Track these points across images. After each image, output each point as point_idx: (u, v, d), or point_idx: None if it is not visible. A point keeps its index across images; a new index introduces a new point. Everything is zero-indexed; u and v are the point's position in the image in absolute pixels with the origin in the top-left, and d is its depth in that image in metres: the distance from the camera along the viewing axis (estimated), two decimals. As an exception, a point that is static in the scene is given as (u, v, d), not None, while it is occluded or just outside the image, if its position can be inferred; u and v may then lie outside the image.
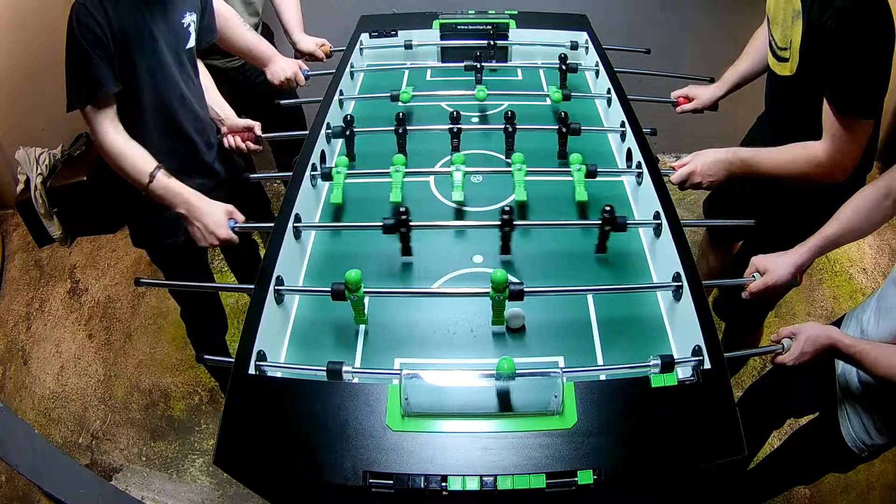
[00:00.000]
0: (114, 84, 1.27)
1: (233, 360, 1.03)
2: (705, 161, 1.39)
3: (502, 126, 1.56)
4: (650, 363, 1.01)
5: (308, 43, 1.99)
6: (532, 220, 1.40)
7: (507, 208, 1.25)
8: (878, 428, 1.25)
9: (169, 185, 1.34)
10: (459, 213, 1.43)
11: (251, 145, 1.68)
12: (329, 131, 1.58)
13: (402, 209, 1.24)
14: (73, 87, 1.27)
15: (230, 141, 1.66)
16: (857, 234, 1.26)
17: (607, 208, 1.24)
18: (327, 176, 1.44)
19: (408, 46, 2.01)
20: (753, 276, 1.29)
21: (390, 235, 1.34)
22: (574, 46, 1.99)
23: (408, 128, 1.57)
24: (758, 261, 1.29)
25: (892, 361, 1.06)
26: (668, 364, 1.00)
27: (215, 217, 1.35)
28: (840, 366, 1.32)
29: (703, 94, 1.75)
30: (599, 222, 1.26)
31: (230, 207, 1.38)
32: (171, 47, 1.38)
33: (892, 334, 1.17)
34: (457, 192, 1.40)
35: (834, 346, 1.11)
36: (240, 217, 1.38)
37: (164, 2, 1.35)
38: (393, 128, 1.56)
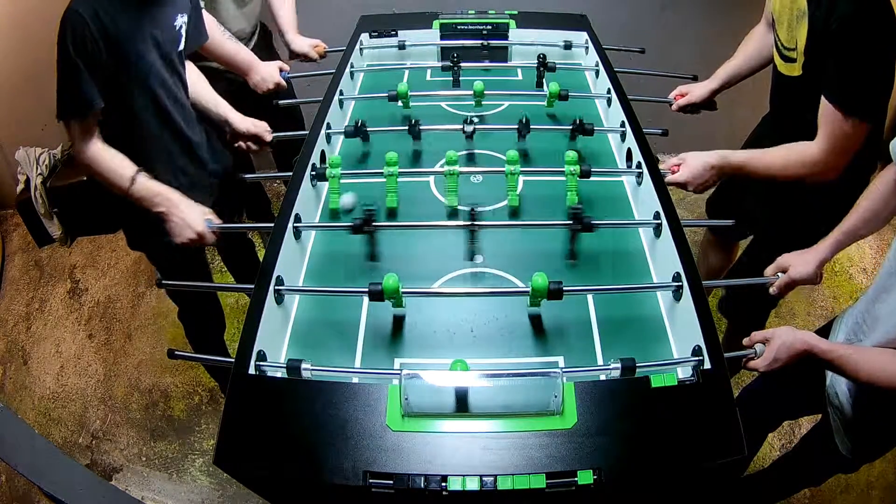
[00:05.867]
0: (100, 100, 1.28)
1: (203, 357, 1.03)
2: (693, 171, 1.38)
3: (512, 127, 1.57)
4: (610, 366, 1.01)
5: (302, 44, 1.98)
6: (522, 220, 1.41)
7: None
8: (861, 434, 1.24)
9: (150, 186, 1.37)
10: (459, 214, 1.43)
11: (261, 146, 1.70)
12: (330, 131, 1.58)
13: (371, 209, 1.25)
14: (63, 97, 1.27)
15: (241, 146, 1.68)
16: (876, 222, 1.25)
17: (577, 207, 1.24)
18: (321, 177, 1.44)
19: (401, 47, 2.01)
20: (777, 275, 1.30)
21: (392, 236, 1.35)
22: (568, 46, 1.99)
23: (421, 128, 1.57)
24: (782, 259, 1.30)
25: (873, 366, 1.03)
26: (629, 368, 1.00)
27: (192, 213, 1.39)
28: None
29: (696, 89, 1.77)
30: (569, 222, 1.25)
31: (206, 209, 1.42)
32: (164, 50, 1.39)
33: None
34: (450, 197, 1.40)
35: (810, 352, 1.08)
36: (216, 219, 1.42)
37: (157, 4, 1.36)
38: (406, 128, 1.57)
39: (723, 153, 1.39)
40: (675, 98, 1.81)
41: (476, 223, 1.28)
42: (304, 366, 1.02)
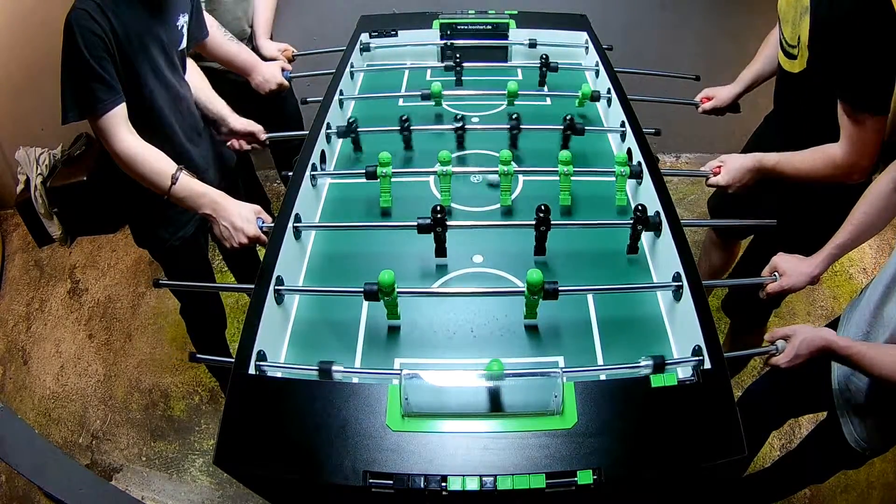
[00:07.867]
0: (121, 91, 1.25)
1: (228, 359, 1.03)
2: (734, 174, 1.44)
3: (506, 126, 1.56)
4: (641, 364, 1.01)
5: (270, 48, 1.99)
6: (518, 220, 1.40)
7: (543, 206, 1.23)
8: (877, 427, 1.24)
9: (192, 185, 1.32)
10: (460, 214, 1.43)
11: (256, 146, 1.71)
12: (330, 131, 1.58)
13: (439, 207, 1.22)
14: (71, 97, 1.24)
15: (234, 144, 1.68)
16: (871, 232, 1.26)
17: (640, 207, 1.25)
18: (372, 175, 1.40)
19: (397, 46, 2.01)
20: (774, 276, 1.30)
21: (390, 236, 1.35)
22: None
23: (413, 128, 1.57)
24: (778, 262, 1.30)
25: (886, 361, 1.05)
26: (660, 365, 1.00)
27: (244, 215, 1.32)
28: (836, 366, 1.32)
29: (722, 92, 1.79)
30: (631, 222, 1.26)
31: (257, 207, 1.36)
32: (166, 50, 1.39)
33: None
34: (444, 196, 1.40)
35: (829, 348, 1.09)
36: (267, 217, 1.36)
37: (160, 5, 1.35)
38: (398, 128, 1.57)
39: (758, 156, 1.42)
40: (701, 101, 1.84)
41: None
42: (334, 367, 1.01)
